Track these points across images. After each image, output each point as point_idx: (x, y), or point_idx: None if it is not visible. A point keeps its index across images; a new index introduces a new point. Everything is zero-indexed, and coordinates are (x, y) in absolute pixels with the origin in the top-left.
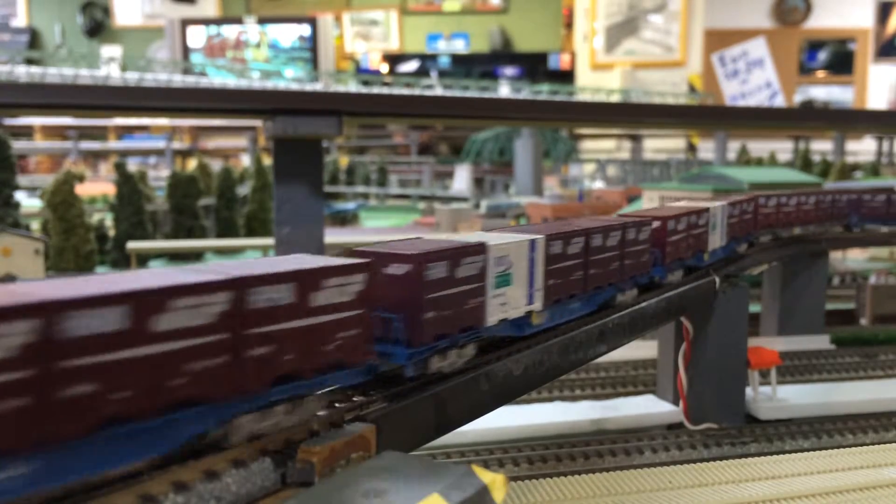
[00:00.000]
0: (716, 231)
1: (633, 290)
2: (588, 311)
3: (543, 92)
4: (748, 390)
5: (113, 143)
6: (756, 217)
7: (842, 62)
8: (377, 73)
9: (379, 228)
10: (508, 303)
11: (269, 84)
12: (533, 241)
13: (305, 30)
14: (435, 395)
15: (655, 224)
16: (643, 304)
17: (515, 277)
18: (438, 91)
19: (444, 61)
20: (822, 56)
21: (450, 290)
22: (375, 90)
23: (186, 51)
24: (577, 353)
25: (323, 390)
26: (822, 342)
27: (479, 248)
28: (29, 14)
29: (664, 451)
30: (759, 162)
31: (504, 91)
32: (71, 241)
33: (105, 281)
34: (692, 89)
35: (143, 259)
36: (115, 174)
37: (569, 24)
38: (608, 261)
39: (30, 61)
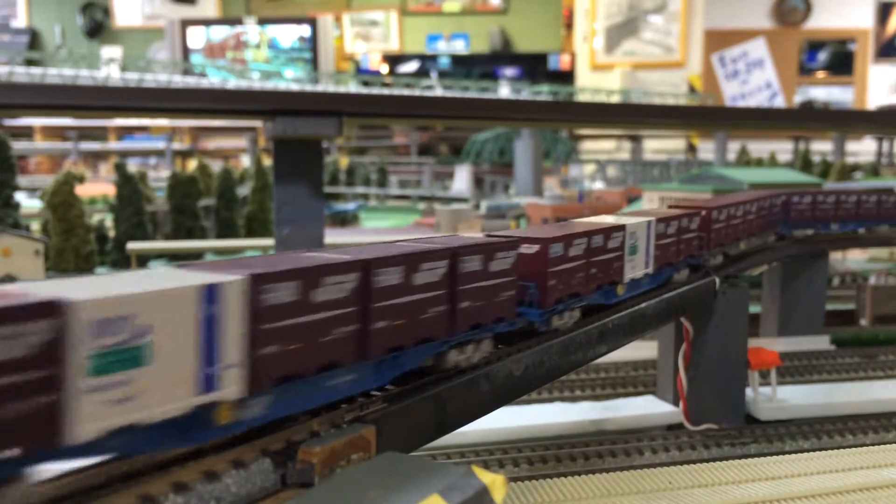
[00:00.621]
0: (637, 255)
1: (486, 343)
2: (377, 384)
3: (543, 93)
4: (748, 391)
5: (113, 144)
6: (709, 234)
7: (842, 63)
8: (377, 73)
9: (379, 229)
10: (143, 394)
11: (270, 85)
12: (211, 289)
13: (305, 30)
14: (435, 396)
15: (528, 248)
16: (643, 305)
17: (163, 352)
18: (438, 92)
19: (444, 62)
20: (822, 56)
21: None
22: (375, 91)
23: (186, 51)
24: (577, 353)
25: None
26: (822, 343)
27: (38, 310)
28: (29, 15)
29: (664, 452)
30: (759, 162)
31: (504, 92)
32: (71, 242)
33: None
34: (692, 90)
35: (143, 260)
36: (115, 175)
37: (569, 25)
38: (419, 306)
39: (30, 62)
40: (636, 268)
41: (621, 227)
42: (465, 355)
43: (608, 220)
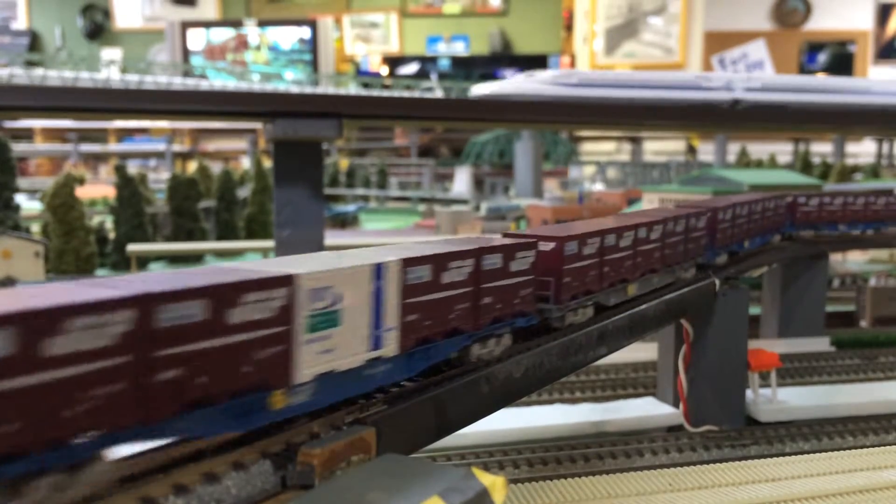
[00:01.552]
0: (345, 328)
1: None
2: None
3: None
4: (748, 392)
5: (113, 146)
6: (559, 279)
7: (842, 64)
8: (377, 75)
9: (379, 231)
10: None
11: (270, 87)
12: None
13: (305, 32)
14: (435, 398)
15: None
16: (643, 306)
17: None
18: (438, 93)
19: (444, 63)
20: (822, 58)
21: None
22: (375, 92)
23: (186, 53)
24: (578, 355)
25: None
26: (822, 344)
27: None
28: (29, 17)
29: (664, 454)
30: (759, 164)
31: None
32: (71, 244)
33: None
34: None
35: (143, 262)
36: (116, 176)
37: (569, 27)
38: None
39: (30, 64)
40: (340, 351)
41: (283, 282)
42: None
43: (269, 266)
